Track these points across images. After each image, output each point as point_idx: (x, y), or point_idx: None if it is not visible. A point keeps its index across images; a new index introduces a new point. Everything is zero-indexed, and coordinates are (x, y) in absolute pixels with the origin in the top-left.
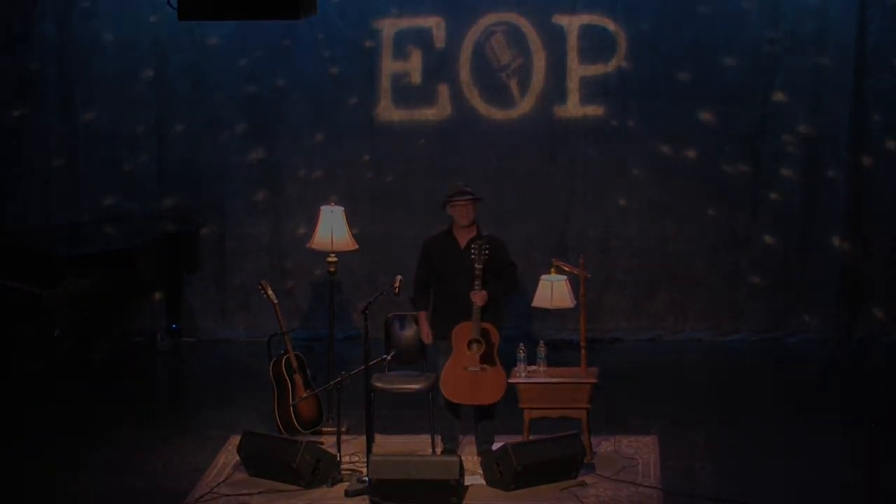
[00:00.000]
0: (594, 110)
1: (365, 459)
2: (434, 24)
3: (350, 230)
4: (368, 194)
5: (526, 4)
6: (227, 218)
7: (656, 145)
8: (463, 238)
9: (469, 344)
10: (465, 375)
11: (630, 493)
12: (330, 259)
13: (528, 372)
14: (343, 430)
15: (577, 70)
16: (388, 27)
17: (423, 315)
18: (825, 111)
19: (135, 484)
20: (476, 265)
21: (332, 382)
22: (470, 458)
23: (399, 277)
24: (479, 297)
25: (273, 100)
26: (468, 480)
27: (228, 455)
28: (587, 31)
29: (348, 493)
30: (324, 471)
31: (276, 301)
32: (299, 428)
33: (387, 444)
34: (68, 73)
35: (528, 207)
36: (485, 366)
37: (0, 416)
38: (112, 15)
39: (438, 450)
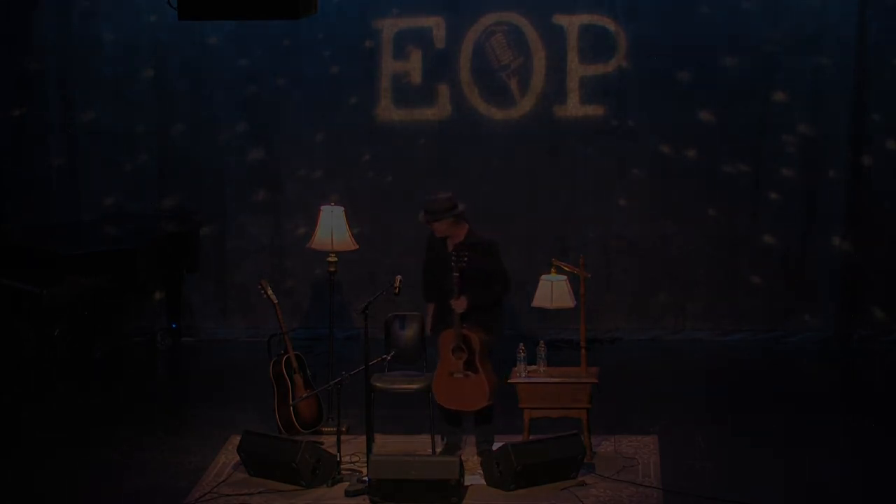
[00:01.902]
0: (594, 110)
1: (365, 459)
2: (434, 24)
3: (350, 230)
4: (368, 194)
5: (526, 4)
6: (227, 218)
7: (656, 145)
8: (451, 242)
9: (452, 350)
10: (450, 381)
11: (630, 493)
12: (330, 259)
13: (528, 372)
14: (343, 430)
15: (577, 70)
16: (388, 27)
17: (430, 307)
18: (825, 111)
19: (135, 484)
20: (454, 273)
21: (331, 382)
22: (470, 458)
23: (399, 277)
24: (457, 305)
25: (273, 100)
26: (468, 480)
27: (228, 455)
28: (587, 31)
29: (348, 493)
30: (324, 471)
31: (276, 301)
32: (299, 428)
33: (387, 444)
34: (68, 73)
35: (528, 207)
36: (468, 372)
37: (0, 416)
38: (112, 15)
39: (438, 449)
